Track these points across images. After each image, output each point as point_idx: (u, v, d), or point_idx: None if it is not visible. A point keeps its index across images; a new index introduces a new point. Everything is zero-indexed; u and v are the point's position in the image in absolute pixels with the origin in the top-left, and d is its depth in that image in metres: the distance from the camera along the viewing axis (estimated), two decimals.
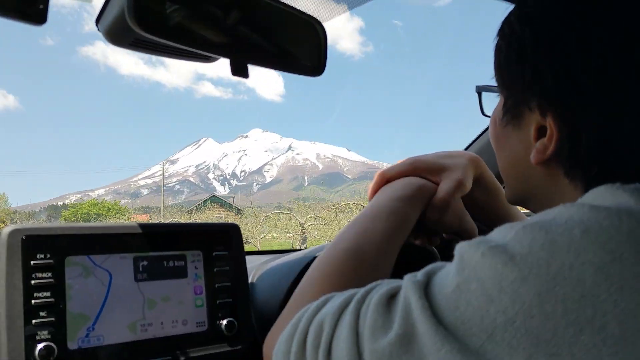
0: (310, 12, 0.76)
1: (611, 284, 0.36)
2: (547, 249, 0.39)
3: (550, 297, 0.37)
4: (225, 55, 0.64)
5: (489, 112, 0.68)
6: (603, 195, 0.44)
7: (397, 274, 0.81)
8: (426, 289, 0.44)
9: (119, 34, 0.66)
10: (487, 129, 1.31)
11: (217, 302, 0.92)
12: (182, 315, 0.89)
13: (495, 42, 0.60)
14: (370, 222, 0.66)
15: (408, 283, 0.45)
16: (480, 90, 0.70)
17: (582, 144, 0.50)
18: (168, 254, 0.90)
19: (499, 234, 0.44)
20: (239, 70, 0.65)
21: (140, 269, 0.86)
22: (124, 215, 45.50)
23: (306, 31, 0.76)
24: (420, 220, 0.71)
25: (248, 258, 1.23)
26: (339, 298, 0.50)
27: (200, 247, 0.93)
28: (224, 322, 0.91)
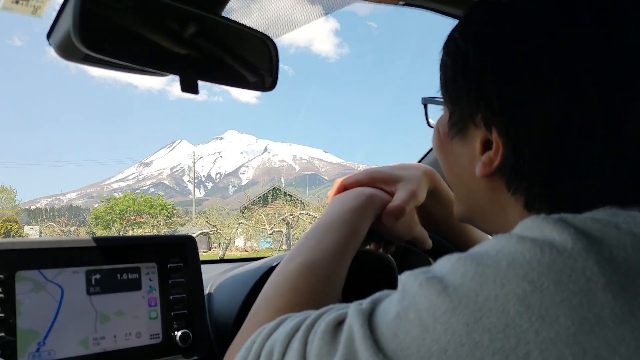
0: (261, 29, 0.78)
1: (532, 313, 0.37)
2: (477, 281, 0.40)
3: (478, 326, 0.38)
4: (174, 72, 0.66)
5: (432, 122, 0.70)
6: (530, 227, 0.44)
7: (355, 281, 0.83)
8: (370, 317, 0.44)
9: (69, 50, 0.66)
10: None
11: (172, 313, 0.93)
12: (136, 327, 0.89)
13: (441, 56, 0.60)
14: (323, 234, 0.67)
15: (353, 311, 0.45)
16: (426, 102, 0.71)
17: (525, 159, 0.50)
18: (121, 266, 0.89)
19: (440, 264, 0.45)
20: (189, 86, 0.66)
21: (93, 282, 0.86)
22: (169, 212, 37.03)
23: (258, 48, 0.78)
24: (375, 229, 0.73)
25: (208, 267, 1.24)
26: (290, 322, 0.50)
27: (154, 260, 0.93)
28: (179, 333, 0.91)
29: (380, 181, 0.76)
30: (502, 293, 0.38)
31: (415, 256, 1.53)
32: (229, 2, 0.74)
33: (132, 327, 0.88)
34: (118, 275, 0.89)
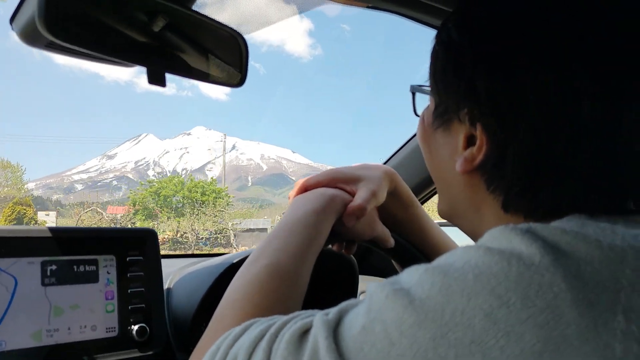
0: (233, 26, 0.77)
1: (498, 330, 0.37)
2: (444, 294, 0.39)
3: (444, 341, 0.37)
4: (141, 64, 0.65)
5: (420, 111, 0.68)
6: (498, 238, 0.43)
7: (318, 281, 0.84)
8: (336, 329, 0.44)
9: (33, 36, 0.65)
10: (405, 144, 1.37)
11: (130, 307, 0.92)
12: (91, 320, 0.87)
13: (432, 46, 0.59)
14: (288, 236, 0.66)
15: (319, 322, 0.44)
16: (414, 90, 0.71)
17: (508, 159, 0.49)
18: (79, 258, 0.88)
19: (407, 275, 0.44)
20: (156, 78, 0.66)
21: (49, 273, 0.84)
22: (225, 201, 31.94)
23: (228, 43, 0.78)
24: (337, 229, 0.73)
25: (169, 262, 1.22)
26: (256, 328, 0.49)
27: (113, 252, 0.92)
28: (136, 327, 0.90)
29: (341, 181, 0.76)
30: (469, 307, 0.38)
31: (377, 255, 1.55)
32: None
33: (87, 320, 0.87)
34: (75, 267, 0.87)
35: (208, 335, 0.58)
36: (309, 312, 0.50)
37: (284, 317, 0.49)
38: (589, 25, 0.47)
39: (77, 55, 0.72)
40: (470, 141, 0.53)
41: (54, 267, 0.85)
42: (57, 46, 0.66)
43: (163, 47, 0.69)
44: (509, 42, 0.49)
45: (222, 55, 0.78)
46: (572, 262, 0.39)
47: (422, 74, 0.65)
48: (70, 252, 0.87)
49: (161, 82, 0.66)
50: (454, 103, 0.54)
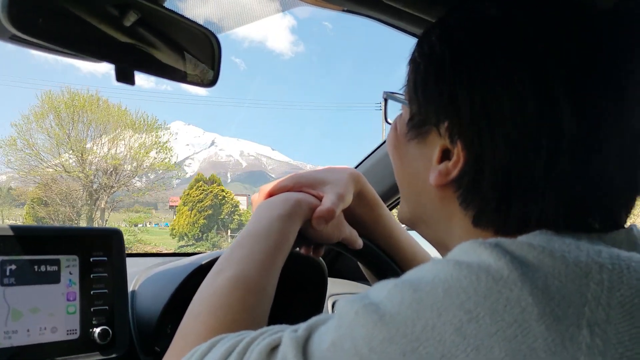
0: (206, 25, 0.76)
1: (468, 344, 0.37)
2: (414, 309, 0.40)
3: (415, 356, 0.38)
4: (109, 60, 0.63)
5: (392, 119, 0.67)
6: (467, 252, 0.43)
7: (287, 284, 0.83)
8: (305, 346, 0.43)
9: None
10: (374, 151, 1.38)
11: (92, 309, 0.89)
12: (52, 322, 0.85)
13: (412, 57, 0.58)
14: (253, 244, 0.65)
15: (287, 339, 0.44)
16: (387, 97, 0.70)
17: (485, 174, 0.49)
18: (40, 258, 0.85)
19: (376, 290, 0.44)
20: (124, 76, 0.64)
21: (8, 273, 0.82)
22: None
23: (200, 42, 0.77)
24: (304, 233, 0.72)
25: (136, 260, 1.20)
26: (222, 346, 0.49)
27: (76, 252, 0.89)
28: (98, 330, 0.88)
29: (306, 185, 0.75)
30: (440, 322, 0.38)
31: (345, 260, 1.55)
32: None
33: (47, 322, 0.84)
34: (36, 267, 0.85)
35: (172, 353, 0.57)
36: (277, 327, 0.50)
37: (252, 333, 0.49)
38: (568, 43, 0.47)
39: (43, 49, 0.70)
40: (445, 155, 0.53)
41: (13, 266, 0.82)
42: (22, 39, 0.64)
43: (132, 44, 0.67)
44: (488, 55, 0.49)
45: (194, 53, 0.77)
46: (539, 276, 0.39)
47: (398, 76, 0.62)
48: (31, 251, 0.85)
49: (130, 80, 0.65)
50: (433, 115, 0.54)
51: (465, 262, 0.41)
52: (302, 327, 0.46)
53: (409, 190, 0.62)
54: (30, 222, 22.91)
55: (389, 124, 0.67)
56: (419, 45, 0.57)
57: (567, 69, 0.46)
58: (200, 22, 0.75)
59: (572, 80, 0.46)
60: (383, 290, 0.43)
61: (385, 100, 0.68)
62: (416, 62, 0.57)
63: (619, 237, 0.47)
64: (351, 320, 0.42)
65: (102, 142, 23.95)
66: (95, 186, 24.07)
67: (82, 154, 23.63)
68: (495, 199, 0.49)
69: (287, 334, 0.45)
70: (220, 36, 0.79)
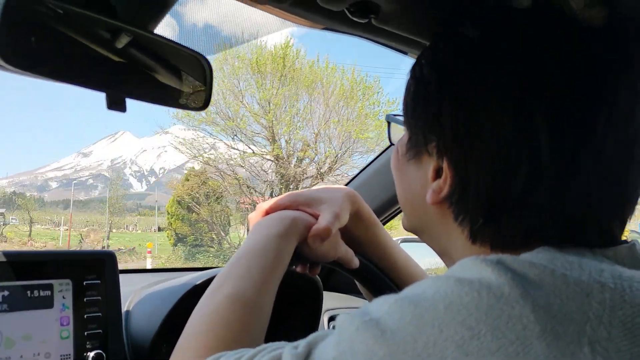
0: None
1: None
2: (415, 325, 0.40)
3: None
4: (100, 89, 0.63)
5: (396, 140, 0.68)
6: (469, 269, 0.44)
7: (283, 301, 0.83)
8: None
9: None
10: (367, 165, 1.38)
11: (86, 333, 0.89)
12: (45, 348, 0.84)
13: (407, 79, 0.60)
14: (250, 262, 0.65)
15: (288, 356, 0.44)
16: (389, 119, 0.71)
17: (470, 193, 0.50)
18: (33, 283, 0.85)
19: (376, 306, 0.44)
20: (115, 103, 0.64)
21: (0, 299, 0.81)
22: None
23: (191, 66, 0.77)
24: (300, 251, 0.72)
25: (131, 278, 1.19)
26: None
27: (69, 276, 0.89)
28: (92, 354, 0.87)
29: (302, 204, 0.76)
30: (441, 339, 0.38)
31: (340, 274, 1.55)
32: (162, 19, 0.73)
33: (41, 347, 0.84)
34: (29, 292, 0.84)
35: None
36: (276, 344, 0.50)
37: (251, 351, 0.49)
38: (547, 65, 0.47)
39: (30, 75, 0.70)
40: (438, 173, 0.54)
41: (6, 292, 0.82)
42: (10, 68, 0.64)
43: (123, 72, 0.67)
44: (468, 77, 0.50)
45: (185, 78, 0.77)
46: (541, 294, 0.39)
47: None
48: (24, 277, 0.84)
49: (121, 108, 0.65)
50: (422, 136, 0.55)
51: (466, 279, 0.41)
52: (301, 344, 0.46)
53: (411, 210, 0.63)
54: None
55: (393, 144, 0.68)
56: (412, 69, 0.59)
57: (545, 91, 0.47)
58: (191, 40, 0.75)
59: (549, 103, 0.46)
60: (384, 305, 0.43)
61: (389, 123, 0.69)
62: (408, 84, 0.59)
63: (622, 253, 0.48)
64: (351, 336, 0.42)
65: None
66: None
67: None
68: (482, 216, 0.50)
69: (287, 351, 0.45)
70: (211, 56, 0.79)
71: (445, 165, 0.52)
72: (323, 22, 0.83)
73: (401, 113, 0.64)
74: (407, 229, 0.67)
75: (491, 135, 0.48)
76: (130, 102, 0.64)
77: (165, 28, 0.77)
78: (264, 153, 15.77)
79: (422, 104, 0.55)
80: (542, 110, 0.46)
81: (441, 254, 0.63)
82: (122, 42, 0.66)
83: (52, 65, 0.61)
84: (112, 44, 0.66)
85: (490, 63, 0.49)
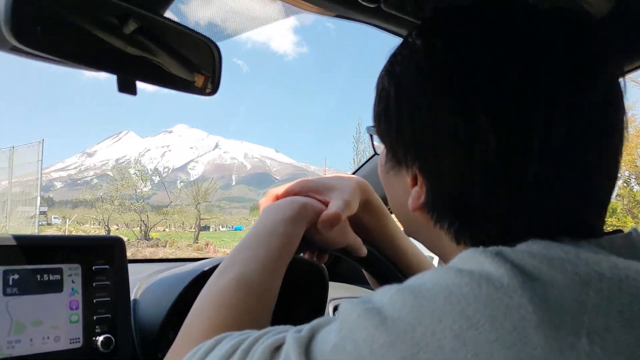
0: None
1: (467, 350, 0.37)
2: (414, 314, 0.40)
3: None
4: (111, 71, 0.63)
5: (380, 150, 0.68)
6: (469, 260, 0.44)
7: (288, 289, 0.83)
8: (308, 346, 0.44)
9: None
10: (372, 156, 1.38)
11: (95, 317, 0.89)
12: (55, 331, 0.85)
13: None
14: (258, 245, 0.66)
15: (291, 339, 0.45)
16: (370, 132, 0.72)
17: (440, 198, 0.52)
18: (42, 267, 0.85)
19: (379, 295, 0.45)
20: (126, 87, 0.64)
21: (11, 282, 0.82)
22: None
23: (201, 51, 0.77)
24: (308, 237, 0.73)
25: (139, 267, 1.20)
26: (227, 343, 0.49)
27: (79, 261, 0.89)
28: (101, 338, 0.88)
29: (313, 190, 0.76)
30: (439, 329, 0.38)
31: (346, 264, 1.56)
32: (172, 2, 0.73)
33: (50, 332, 0.84)
34: (38, 276, 0.85)
35: (175, 349, 0.58)
36: (281, 327, 0.50)
37: (256, 333, 0.49)
38: (490, 70, 0.47)
39: (43, 60, 0.70)
40: (415, 181, 0.55)
41: (16, 276, 0.82)
42: (22, 50, 0.64)
43: (134, 55, 0.68)
44: (417, 87, 0.51)
45: (195, 63, 0.77)
46: (539, 285, 0.40)
47: None
48: (34, 261, 0.85)
49: (132, 91, 0.65)
50: (390, 147, 0.58)
51: (466, 270, 0.42)
52: (305, 328, 0.47)
53: (401, 216, 0.65)
54: None
55: (378, 155, 0.68)
56: (377, 82, 0.60)
57: (487, 95, 0.47)
58: (201, 26, 0.75)
59: (490, 100, 0.46)
60: (386, 295, 0.44)
61: (371, 136, 0.71)
62: (375, 98, 0.60)
63: (618, 242, 0.48)
64: (353, 322, 0.42)
65: None
66: None
67: None
68: (457, 220, 0.52)
69: (291, 334, 0.45)
70: (220, 43, 0.79)
71: (418, 173, 0.54)
72: (334, 9, 0.83)
73: None
74: (406, 233, 0.69)
75: (448, 144, 0.49)
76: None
77: (176, 12, 0.77)
78: None
79: (385, 116, 0.57)
80: (483, 107, 0.46)
81: (437, 255, 0.63)
82: (134, 25, 0.67)
83: (64, 47, 0.61)
84: (124, 28, 0.66)
85: (433, 73, 0.50)
